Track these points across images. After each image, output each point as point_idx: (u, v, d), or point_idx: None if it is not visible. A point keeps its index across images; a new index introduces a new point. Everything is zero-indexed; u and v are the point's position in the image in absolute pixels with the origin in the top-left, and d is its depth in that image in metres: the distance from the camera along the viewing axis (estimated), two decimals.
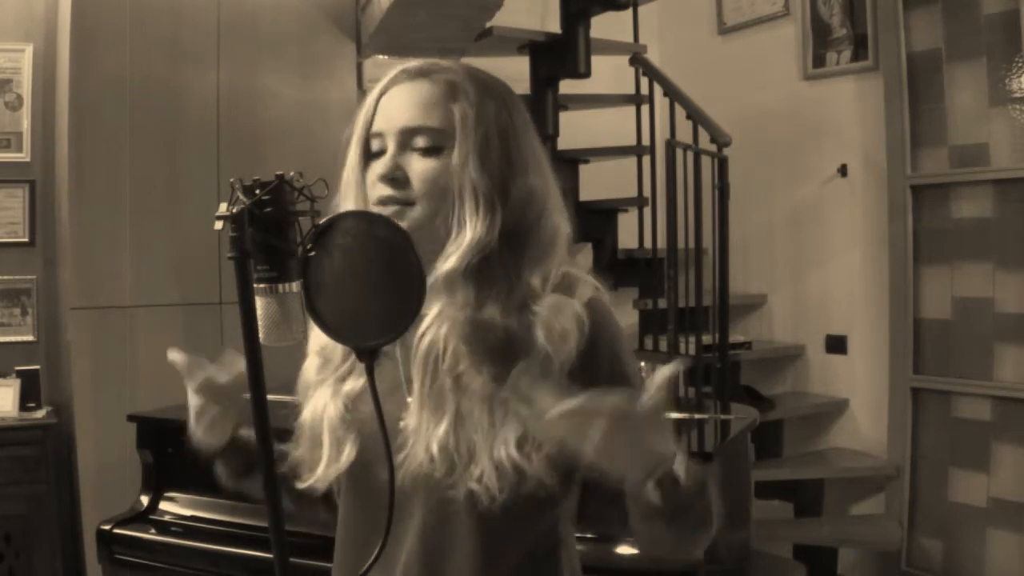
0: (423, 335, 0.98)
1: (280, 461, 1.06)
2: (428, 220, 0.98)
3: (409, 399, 0.99)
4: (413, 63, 1.03)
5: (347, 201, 1.03)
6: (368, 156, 1.02)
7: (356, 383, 1.02)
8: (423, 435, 0.96)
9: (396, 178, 0.98)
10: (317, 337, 1.05)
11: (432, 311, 0.99)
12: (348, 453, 1.02)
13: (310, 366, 1.08)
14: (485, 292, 0.96)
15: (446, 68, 1.02)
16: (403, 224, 0.96)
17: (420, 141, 0.99)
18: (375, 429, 0.91)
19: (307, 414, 1.06)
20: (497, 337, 0.95)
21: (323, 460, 1.03)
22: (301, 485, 1.06)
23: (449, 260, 0.96)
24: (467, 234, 0.96)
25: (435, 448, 0.94)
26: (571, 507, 1.05)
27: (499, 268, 0.97)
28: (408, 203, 0.98)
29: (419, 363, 0.98)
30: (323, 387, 1.05)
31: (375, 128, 1.01)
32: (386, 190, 0.99)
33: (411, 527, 0.99)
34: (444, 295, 0.97)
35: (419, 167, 0.98)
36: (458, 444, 0.94)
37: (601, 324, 0.99)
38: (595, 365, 0.97)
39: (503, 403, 0.93)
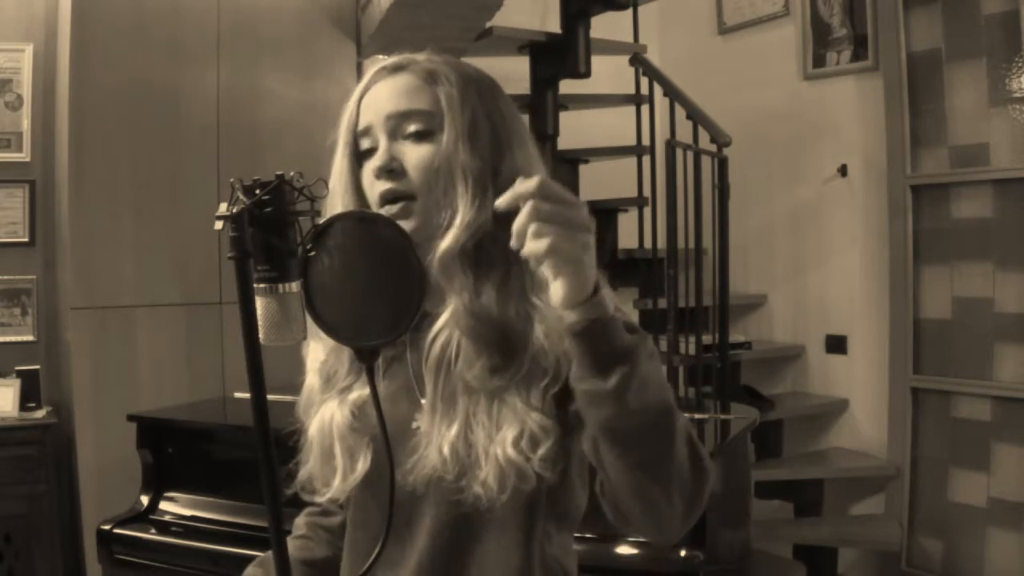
0: (435, 338, 0.97)
1: (286, 480, 1.04)
2: (431, 212, 0.97)
3: (423, 400, 0.99)
4: (389, 60, 1.03)
5: (336, 210, 1.00)
6: (359, 157, 1.01)
7: (362, 391, 1.01)
8: (435, 438, 0.95)
9: (393, 169, 0.97)
10: (315, 355, 1.05)
11: (445, 312, 0.98)
12: (363, 463, 1.00)
13: (312, 385, 1.06)
14: (483, 277, 0.95)
15: (422, 59, 1.02)
16: (409, 222, 0.96)
17: (411, 126, 0.98)
18: (391, 433, 0.90)
19: (314, 429, 1.04)
20: (495, 326, 0.94)
21: (338, 472, 1.01)
22: (319, 499, 1.05)
23: (443, 242, 0.95)
24: (458, 217, 0.95)
25: (446, 450, 0.93)
26: (575, 513, 1.04)
27: (496, 251, 0.95)
28: (409, 197, 0.97)
29: (432, 366, 0.97)
30: (328, 401, 1.04)
31: (361, 125, 1.00)
32: (384, 184, 0.97)
33: (423, 529, 0.98)
34: (442, 279, 0.96)
35: (414, 154, 0.97)
36: (467, 446, 0.93)
37: None
38: None
39: (500, 398, 0.93)
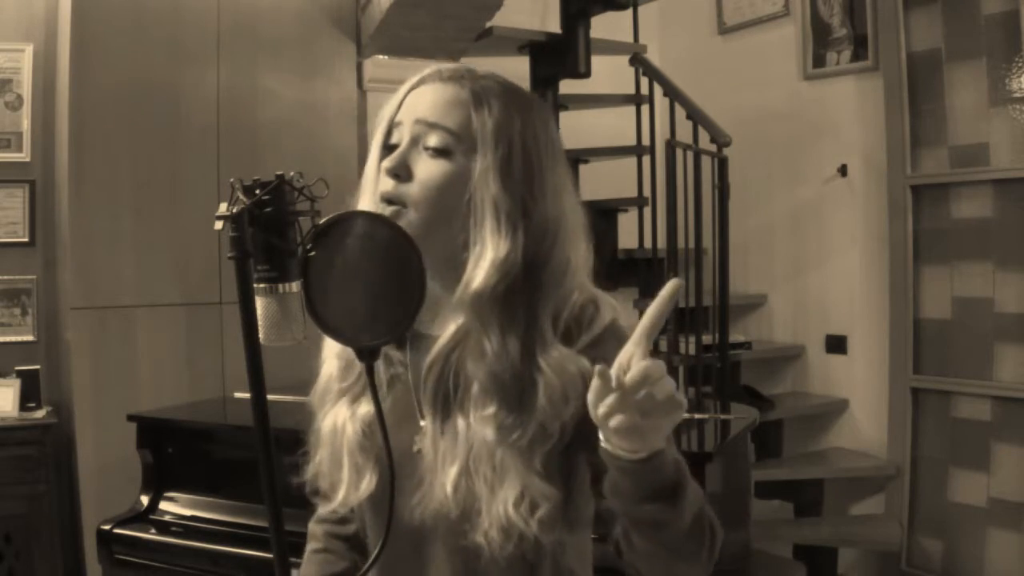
0: (432, 364, 0.97)
1: (292, 471, 1.05)
2: (425, 226, 0.95)
3: (422, 423, 0.98)
4: (449, 65, 1.02)
5: (364, 194, 1.02)
6: (388, 149, 1.01)
7: (371, 407, 1.00)
8: (439, 473, 0.94)
9: (398, 174, 0.97)
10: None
11: (444, 335, 0.97)
12: (368, 481, 1.00)
13: (330, 372, 1.05)
14: (507, 326, 0.94)
15: (479, 77, 1.00)
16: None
17: (432, 140, 0.96)
18: (394, 457, 0.90)
19: (326, 428, 1.03)
20: (507, 377, 0.92)
21: (343, 486, 1.01)
22: (323, 511, 1.05)
23: (475, 281, 0.93)
24: (489, 253, 0.93)
25: (449, 489, 0.93)
26: (588, 514, 1.04)
27: (519, 302, 0.94)
28: (404, 204, 0.96)
29: (430, 389, 0.97)
30: (339, 404, 1.03)
31: (398, 117, 1.00)
32: (388, 184, 0.97)
33: (432, 560, 0.98)
34: (473, 320, 0.94)
35: (424, 168, 0.97)
36: (467, 492, 0.93)
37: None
38: None
39: (504, 455, 0.92)
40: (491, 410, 0.92)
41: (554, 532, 0.93)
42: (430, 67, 1.02)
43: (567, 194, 1.02)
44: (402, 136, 0.99)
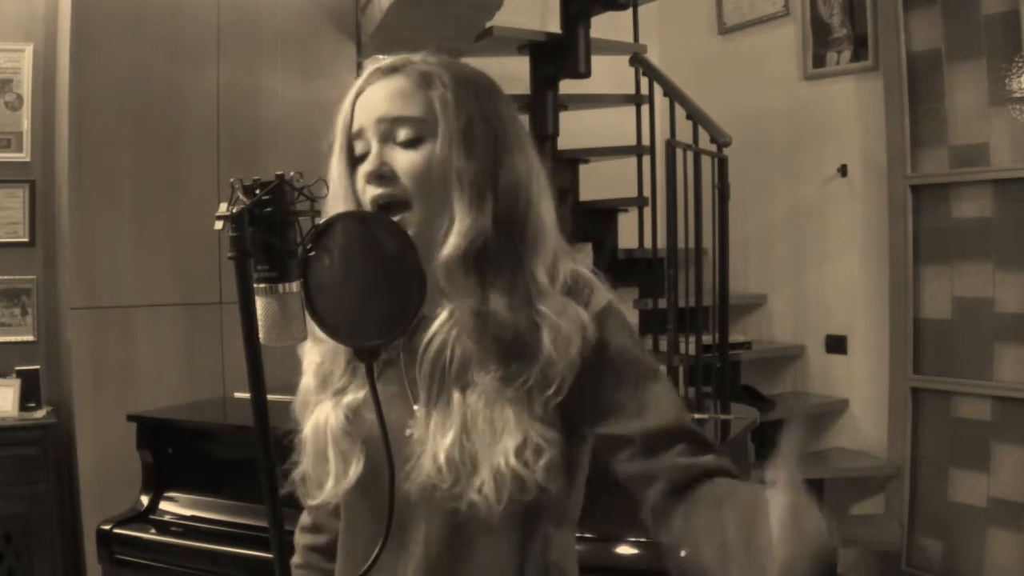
0: (431, 340, 0.96)
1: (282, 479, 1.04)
2: (430, 219, 0.96)
3: (416, 407, 0.98)
4: (385, 61, 1.01)
5: (336, 209, 1.00)
6: (354, 162, 1.00)
7: (356, 395, 1.00)
8: (430, 446, 0.94)
9: (383, 175, 0.96)
10: (311, 356, 1.05)
11: (441, 315, 0.97)
12: (356, 467, 1.00)
13: (307, 385, 1.06)
14: (489, 282, 0.94)
15: (419, 60, 1.00)
16: (408, 231, 0.94)
17: (401, 133, 0.96)
18: (380, 439, 0.90)
19: (308, 429, 1.04)
20: (504, 334, 0.93)
21: (331, 476, 1.01)
22: (312, 503, 1.04)
23: (444, 248, 0.94)
24: (457, 223, 0.94)
25: (442, 459, 0.93)
26: (574, 514, 1.04)
27: (499, 256, 0.95)
28: (403, 204, 0.96)
29: (426, 370, 0.97)
30: (323, 402, 1.03)
31: (355, 127, 0.99)
32: (376, 189, 0.96)
33: (417, 537, 0.98)
34: (447, 286, 0.95)
35: (404, 160, 0.96)
36: (463, 454, 0.92)
37: (611, 337, 0.97)
38: (603, 371, 0.96)
39: (504, 407, 0.92)
40: (492, 369, 0.93)
41: (558, 481, 0.93)
42: (366, 70, 1.02)
43: (532, 149, 1.03)
44: (368, 142, 0.98)
